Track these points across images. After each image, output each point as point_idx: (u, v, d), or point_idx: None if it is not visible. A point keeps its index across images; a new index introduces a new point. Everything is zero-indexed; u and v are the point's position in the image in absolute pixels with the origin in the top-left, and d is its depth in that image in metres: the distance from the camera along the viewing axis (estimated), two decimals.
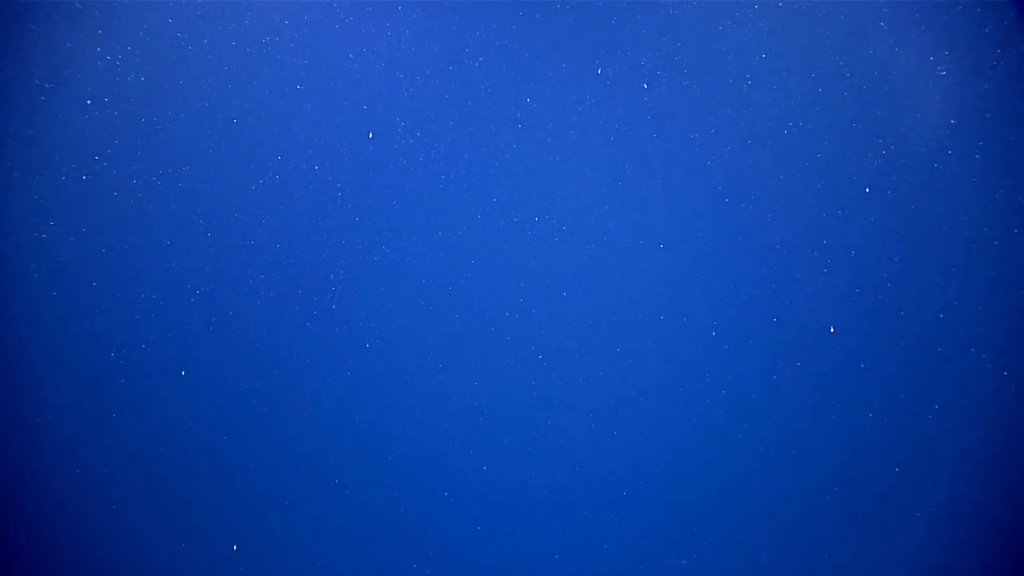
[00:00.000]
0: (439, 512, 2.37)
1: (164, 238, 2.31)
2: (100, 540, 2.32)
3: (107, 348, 2.30)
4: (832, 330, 2.30)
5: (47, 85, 2.23)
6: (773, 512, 2.34)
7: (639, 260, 2.36)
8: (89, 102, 2.26)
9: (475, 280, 2.37)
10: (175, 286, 2.31)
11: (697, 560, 2.35)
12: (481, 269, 2.37)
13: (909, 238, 2.27)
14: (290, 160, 2.34)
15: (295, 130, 2.34)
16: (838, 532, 2.33)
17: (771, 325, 2.32)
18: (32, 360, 2.27)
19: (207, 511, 2.35)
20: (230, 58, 2.30)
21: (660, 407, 2.36)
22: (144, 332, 2.30)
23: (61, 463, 2.30)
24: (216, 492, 2.35)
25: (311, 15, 2.34)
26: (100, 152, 2.27)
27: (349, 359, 2.36)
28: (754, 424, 2.34)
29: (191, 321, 2.32)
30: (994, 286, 2.24)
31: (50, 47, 2.22)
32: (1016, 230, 2.23)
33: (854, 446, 2.31)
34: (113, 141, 2.27)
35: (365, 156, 2.36)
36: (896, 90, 2.26)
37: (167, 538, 2.34)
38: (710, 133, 2.33)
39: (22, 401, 2.27)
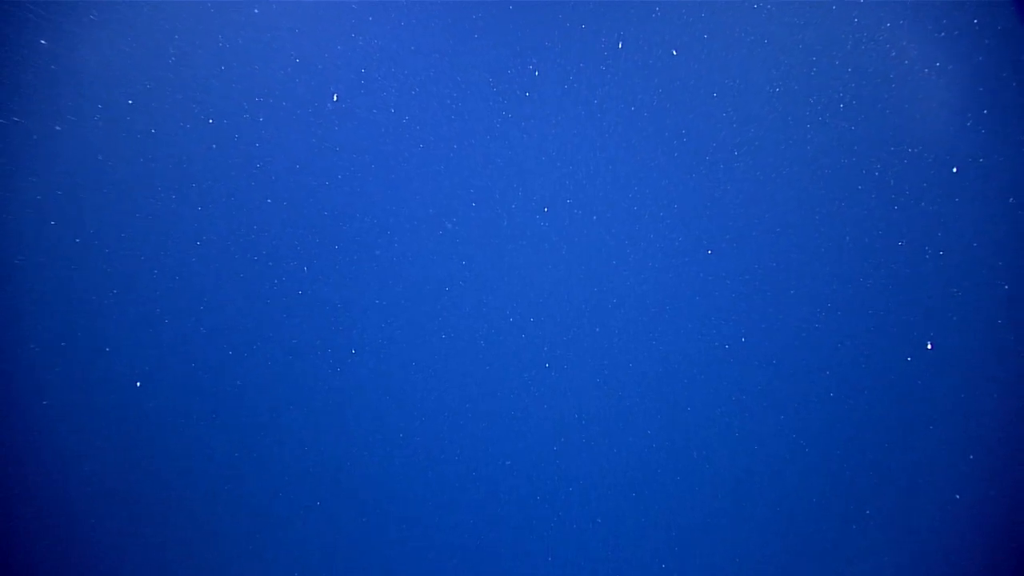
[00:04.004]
0: (436, 523, 2.28)
1: (161, 239, 2.24)
2: (99, 541, 2.29)
3: (103, 349, 2.26)
4: (929, 347, 2.15)
5: (45, 82, 2.19)
6: (792, 522, 2.26)
7: (656, 257, 2.18)
8: (76, 101, 2.17)
9: (474, 281, 2.23)
10: (170, 287, 2.25)
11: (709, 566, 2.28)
12: (481, 268, 2.21)
13: (918, 241, 2.21)
14: (279, 155, 2.19)
15: (276, 116, 2.14)
16: (850, 538, 2.27)
17: (790, 327, 2.21)
18: (30, 362, 2.24)
19: (204, 511, 2.30)
20: (226, 57, 2.25)
21: (675, 414, 2.25)
22: (140, 332, 2.26)
23: (59, 463, 2.26)
24: (213, 493, 2.30)
25: None
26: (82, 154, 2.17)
27: (335, 364, 2.23)
28: (774, 431, 2.24)
29: (186, 323, 2.26)
30: (998, 287, 2.22)
31: (48, 44, 2.20)
32: (1018, 231, 2.22)
33: (870, 453, 2.24)
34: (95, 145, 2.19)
35: (345, 134, 2.10)
36: (919, 90, 2.21)
37: (165, 539, 2.30)
38: (735, 123, 2.16)
39: (20, 401, 2.24)
